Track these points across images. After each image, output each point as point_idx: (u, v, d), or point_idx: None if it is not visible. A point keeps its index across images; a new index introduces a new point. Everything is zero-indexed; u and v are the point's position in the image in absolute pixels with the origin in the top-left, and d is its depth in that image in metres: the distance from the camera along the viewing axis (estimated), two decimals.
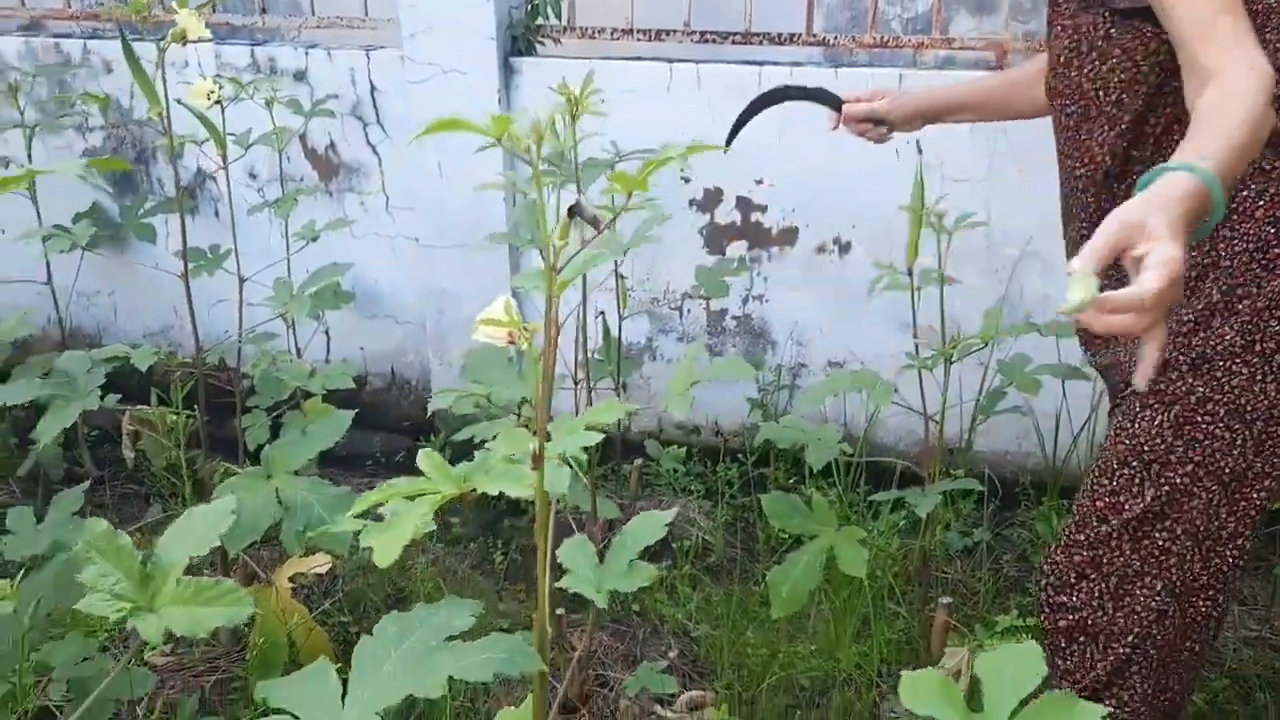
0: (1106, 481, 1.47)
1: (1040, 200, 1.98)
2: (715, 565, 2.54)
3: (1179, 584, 1.47)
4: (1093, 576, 1.49)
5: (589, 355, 2.25)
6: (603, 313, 2.58)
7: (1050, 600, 1.53)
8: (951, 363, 1.89)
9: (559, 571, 1.21)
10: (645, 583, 1.22)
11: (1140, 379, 1.01)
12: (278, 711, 1.00)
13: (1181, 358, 1.39)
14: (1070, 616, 1.51)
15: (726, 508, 2.71)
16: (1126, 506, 1.45)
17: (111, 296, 3.18)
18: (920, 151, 1.86)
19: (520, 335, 1.18)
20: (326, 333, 3.05)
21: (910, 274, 1.89)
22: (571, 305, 2.19)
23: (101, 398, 2.02)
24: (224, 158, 2.08)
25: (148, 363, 2.06)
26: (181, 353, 3.03)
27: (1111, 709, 1.49)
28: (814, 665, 2.18)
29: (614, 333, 2.46)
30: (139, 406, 2.47)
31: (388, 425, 3.09)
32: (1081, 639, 1.51)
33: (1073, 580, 1.50)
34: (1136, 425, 1.44)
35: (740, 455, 2.83)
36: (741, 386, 2.81)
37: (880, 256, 2.11)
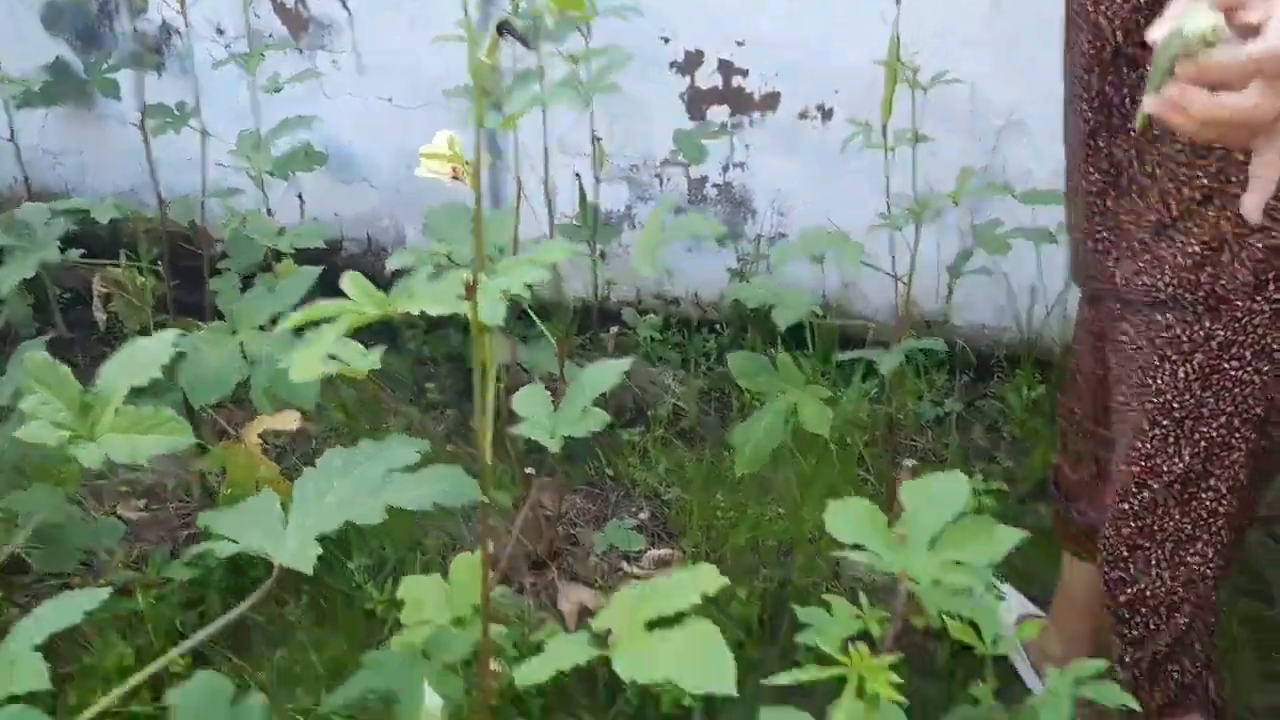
0: (1140, 445, 1.38)
1: (1032, 72, 1.91)
2: (688, 431, 2.56)
3: (1230, 545, 1.41)
4: (1146, 545, 1.42)
5: (553, 214, 2.21)
6: (578, 175, 2.53)
7: (1108, 577, 1.48)
8: (922, 223, 1.86)
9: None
10: (598, 428, 1.22)
11: (1252, 206, 0.80)
12: (219, 538, 1.00)
13: (1189, 296, 1.28)
14: (1129, 590, 1.45)
15: (703, 377, 2.72)
16: (1165, 468, 1.36)
17: (80, 156, 3.12)
18: (898, 1, 1.79)
19: (463, 170, 1.15)
20: (300, 197, 3.00)
21: (885, 132, 1.85)
22: (546, 172, 2.14)
23: (62, 251, 1.99)
24: (182, 2, 2.01)
25: (108, 216, 2.03)
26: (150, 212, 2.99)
27: (1174, 678, 1.47)
28: (780, 528, 2.21)
29: (590, 197, 2.41)
30: (108, 263, 2.44)
31: None
32: (1143, 610, 1.45)
33: (1124, 554, 1.44)
34: (1159, 381, 1.33)
35: (718, 326, 2.82)
36: (722, 256, 2.78)
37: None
